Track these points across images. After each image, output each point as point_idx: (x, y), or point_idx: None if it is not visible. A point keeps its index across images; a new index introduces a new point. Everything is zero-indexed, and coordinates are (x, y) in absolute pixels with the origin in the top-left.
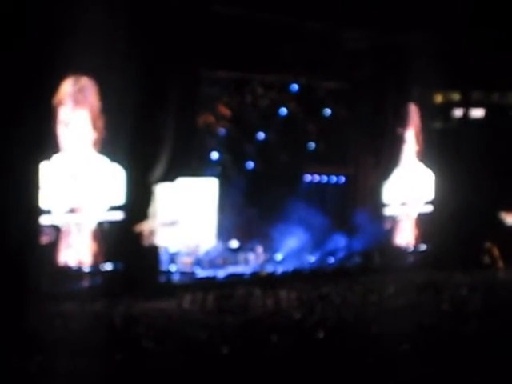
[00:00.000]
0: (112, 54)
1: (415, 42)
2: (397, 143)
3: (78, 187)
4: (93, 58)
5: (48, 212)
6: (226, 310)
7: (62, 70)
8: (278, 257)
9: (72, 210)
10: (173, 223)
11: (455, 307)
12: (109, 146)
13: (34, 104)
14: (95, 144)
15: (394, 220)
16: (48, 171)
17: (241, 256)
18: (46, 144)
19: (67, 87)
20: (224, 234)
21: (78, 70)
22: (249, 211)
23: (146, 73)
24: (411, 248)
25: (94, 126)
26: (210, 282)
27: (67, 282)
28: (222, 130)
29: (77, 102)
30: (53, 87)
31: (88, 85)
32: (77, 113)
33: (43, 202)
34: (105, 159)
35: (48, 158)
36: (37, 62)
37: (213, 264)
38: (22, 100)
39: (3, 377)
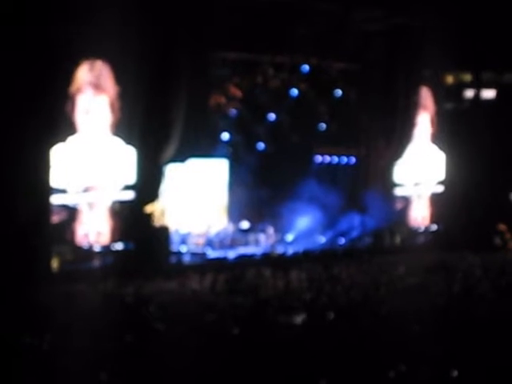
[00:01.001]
0: (124, 38)
1: (426, 23)
2: (408, 124)
3: (91, 167)
4: (106, 42)
5: (62, 191)
6: (236, 290)
7: (75, 54)
8: (289, 238)
9: (85, 190)
10: None
11: (466, 288)
12: (121, 127)
13: (48, 87)
14: (109, 126)
15: (405, 200)
16: (63, 152)
17: (251, 237)
18: (60, 126)
19: (81, 71)
20: (235, 215)
21: (91, 54)
22: (259, 192)
23: (158, 55)
24: (422, 228)
25: (108, 109)
26: (221, 262)
27: (79, 261)
28: (232, 111)
29: (90, 85)
30: (67, 70)
31: (101, 68)
32: (90, 95)
33: (57, 181)
34: (117, 140)
35: (63, 139)
36: (51, 45)
37: (223, 245)
38: (35, 83)
39: (15, 355)
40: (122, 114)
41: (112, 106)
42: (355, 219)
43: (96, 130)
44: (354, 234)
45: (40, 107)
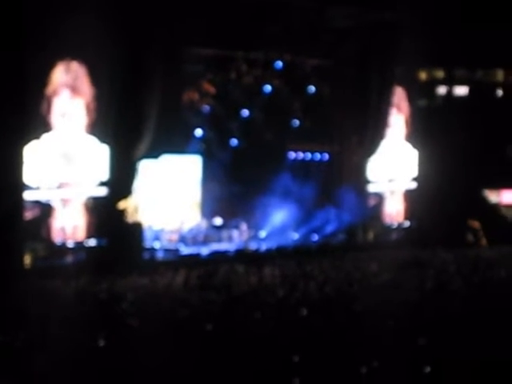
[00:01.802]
0: (98, 36)
1: (399, 19)
2: (381, 120)
3: (64, 164)
4: (80, 42)
5: (35, 188)
6: (209, 287)
7: (49, 54)
8: (262, 234)
9: (58, 186)
10: None
11: (439, 284)
12: (96, 125)
13: (23, 86)
14: (83, 124)
15: (378, 197)
16: (36, 149)
17: (225, 233)
18: (34, 125)
19: (57, 71)
20: (208, 211)
21: (64, 53)
22: (233, 188)
23: (130, 51)
24: (396, 225)
25: (83, 107)
26: (194, 259)
27: (52, 257)
28: (206, 107)
29: (64, 84)
30: (41, 70)
31: (76, 68)
32: (64, 94)
33: (30, 178)
34: (90, 137)
35: (37, 137)
36: (24, 44)
37: (196, 241)
38: (10, 82)
39: None
40: (96, 113)
41: (87, 105)
42: (328, 215)
43: (70, 128)
44: (328, 230)
45: (14, 106)
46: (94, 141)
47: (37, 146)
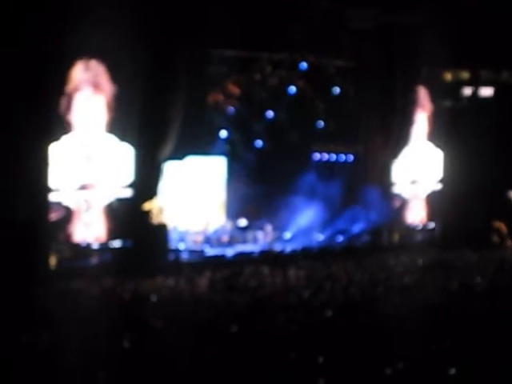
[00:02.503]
0: (120, 35)
1: (423, 20)
2: (406, 122)
3: (87, 166)
4: (101, 40)
5: (58, 190)
6: (234, 288)
7: (70, 53)
8: (287, 235)
9: (82, 188)
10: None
11: (464, 286)
12: (118, 125)
13: (44, 87)
14: (105, 124)
15: (403, 198)
16: (58, 151)
17: (250, 234)
18: (55, 126)
19: (77, 70)
20: (233, 212)
21: (86, 52)
22: (257, 189)
23: (155, 52)
24: (420, 226)
25: (104, 107)
26: (219, 260)
27: (76, 258)
28: (230, 109)
29: (85, 83)
30: (61, 69)
31: (96, 66)
32: (85, 94)
33: (53, 180)
34: (114, 138)
35: (58, 138)
36: (44, 43)
37: (221, 242)
38: (30, 82)
39: (13, 354)
40: (116, 112)
41: (109, 104)
42: (353, 217)
43: (93, 129)
44: (353, 231)
45: (37, 106)
46: (117, 142)
47: (60, 146)
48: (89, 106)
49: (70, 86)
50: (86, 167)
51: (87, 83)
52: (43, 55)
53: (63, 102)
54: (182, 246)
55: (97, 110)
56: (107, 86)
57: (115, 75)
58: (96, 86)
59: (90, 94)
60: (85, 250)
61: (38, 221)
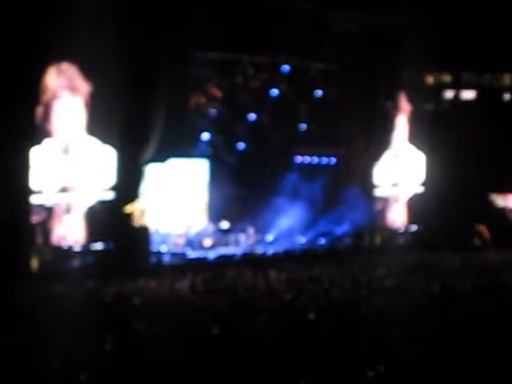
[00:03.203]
0: (100, 37)
1: (406, 23)
2: (388, 125)
3: (68, 168)
4: (80, 42)
5: (39, 192)
6: (216, 290)
7: (46, 57)
8: (269, 238)
9: (63, 190)
10: None
11: (445, 289)
12: (99, 127)
13: (22, 91)
14: (86, 126)
15: (385, 201)
16: (39, 154)
17: (232, 237)
18: (35, 130)
19: (53, 73)
20: (215, 215)
21: (63, 55)
22: (240, 192)
23: (136, 54)
24: (402, 229)
25: (84, 110)
26: (201, 262)
27: (58, 261)
28: (212, 111)
29: (65, 87)
30: (38, 74)
31: (75, 69)
32: (65, 98)
33: (35, 182)
34: (96, 141)
35: (39, 142)
36: (21, 48)
37: (203, 245)
38: (8, 87)
39: None
40: (97, 114)
41: (89, 106)
42: (335, 219)
43: (74, 131)
44: (335, 234)
45: (16, 111)
46: (99, 144)
47: (41, 149)
48: (69, 108)
49: (48, 91)
50: (68, 169)
51: (64, 87)
52: (19, 61)
53: (43, 104)
54: (163, 249)
55: (77, 112)
56: (87, 89)
57: (94, 77)
58: (74, 89)
59: (69, 97)
60: (66, 253)
61: (20, 223)
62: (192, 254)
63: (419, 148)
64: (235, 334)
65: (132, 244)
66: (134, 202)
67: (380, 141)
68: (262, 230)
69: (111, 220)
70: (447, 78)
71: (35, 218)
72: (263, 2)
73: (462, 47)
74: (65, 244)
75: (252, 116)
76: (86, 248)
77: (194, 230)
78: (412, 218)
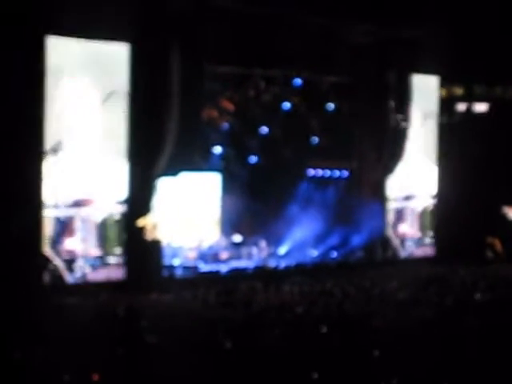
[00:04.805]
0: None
1: (417, 36)
2: (400, 137)
3: (81, 181)
4: (96, 55)
5: (53, 205)
6: (228, 304)
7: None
8: (281, 251)
9: (76, 204)
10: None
11: (458, 301)
12: (112, 141)
13: (35, 102)
14: (99, 139)
15: (397, 214)
16: (52, 167)
17: (244, 250)
18: (48, 142)
19: (69, 86)
20: (227, 228)
21: (79, 68)
22: (252, 205)
23: (150, 67)
24: (414, 242)
25: (98, 122)
26: (213, 276)
27: (70, 274)
28: (225, 125)
29: (78, 100)
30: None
31: (90, 82)
32: (79, 111)
33: (48, 195)
34: (109, 154)
35: (52, 154)
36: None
37: (216, 258)
38: (22, 99)
39: (6, 369)
40: (111, 127)
41: (97, 117)
42: (347, 233)
43: (84, 143)
44: (347, 247)
45: (30, 122)
46: (112, 158)
47: (54, 162)
48: (82, 121)
49: (62, 103)
50: (81, 183)
51: (78, 99)
52: (33, 72)
53: (57, 117)
54: (176, 262)
55: (90, 125)
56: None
57: (110, 90)
58: (88, 102)
59: (82, 110)
60: (78, 266)
61: (33, 236)
62: (204, 267)
63: (432, 160)
64: (248, 347)
65: (144, 258)
66: (146, 216)
67: (392, 154)
68: (274, 243)
69: (124, 233)
70: (459, 91)
71: (48, 232)
72: (275, 16)
73: (473, 60)
74: (77, 257)
75: (264, 129)
76: (98, 261)
77: (206, 244)
78: (424, 231)
